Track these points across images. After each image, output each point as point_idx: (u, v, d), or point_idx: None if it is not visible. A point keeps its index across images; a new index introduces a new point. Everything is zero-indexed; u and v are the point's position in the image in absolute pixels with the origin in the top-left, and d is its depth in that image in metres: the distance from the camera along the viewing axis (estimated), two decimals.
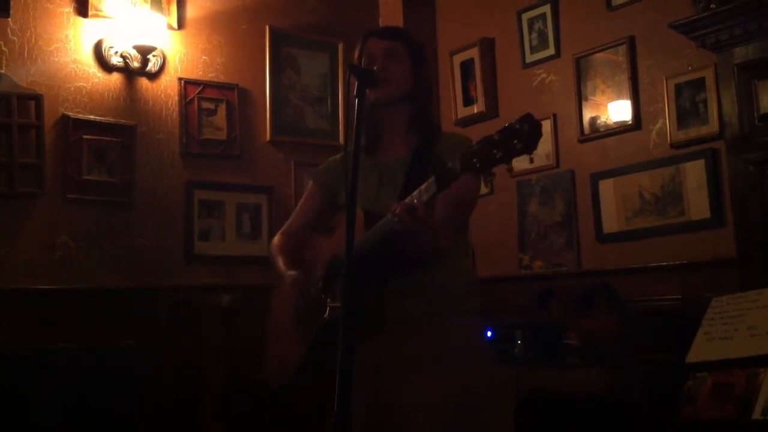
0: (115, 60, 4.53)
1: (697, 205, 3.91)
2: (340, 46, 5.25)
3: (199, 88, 4.82)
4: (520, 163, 4.82)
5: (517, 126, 1.74)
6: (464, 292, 2.40)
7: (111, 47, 4.53)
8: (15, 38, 4.28)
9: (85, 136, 4.40)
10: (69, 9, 4.44)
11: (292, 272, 2.42)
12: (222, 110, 4.88)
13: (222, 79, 4.92)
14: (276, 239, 2.64)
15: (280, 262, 2.52)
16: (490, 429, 2.28)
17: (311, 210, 2.62)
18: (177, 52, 4.78)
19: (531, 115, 1.75)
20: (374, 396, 2.28)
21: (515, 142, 1.74)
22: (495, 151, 1.77)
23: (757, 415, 2.64)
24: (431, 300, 2.31)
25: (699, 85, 3.92)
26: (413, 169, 2.31)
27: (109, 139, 4.48)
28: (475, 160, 1.82)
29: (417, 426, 2.22)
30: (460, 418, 2.23)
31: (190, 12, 4.85)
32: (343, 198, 2.46)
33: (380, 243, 2.11)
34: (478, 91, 5.10)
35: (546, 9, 4.72)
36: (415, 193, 1.99)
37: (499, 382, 2.42)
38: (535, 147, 1.75)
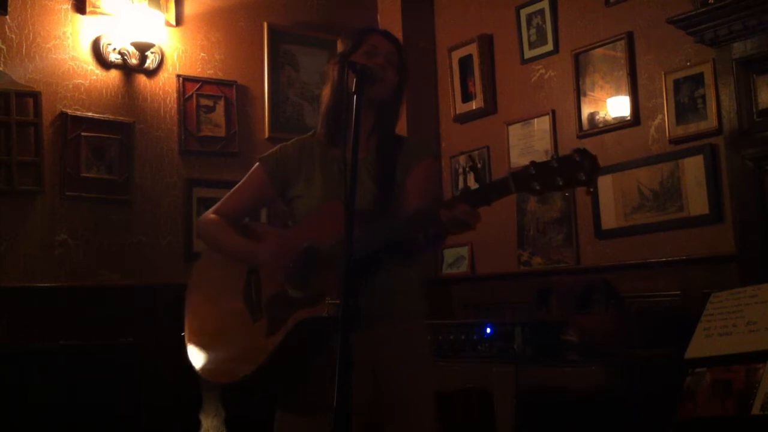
0: (114, 57, 4.53)
1: (696, 200, 3.91)
2: (339, 44, 5.24)
3: (198, 85, 4.82)
4: (518, 159, 4.83)
5: (578, 158, 1.88)
6: (423, 293, 2.46)
7: (109, 44, 4.52)
8: (13, 35, 4.27)
9: (83, 134, 4.40)
10: (67, 6, 4.44)
11: (270, 244, 2.34)
12: (220, 107, 4.88)
13: (220, 76, 4.91)
14: (211, 217, 2.52)
15: (239, 237, 2.43)
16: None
17: (254, 196, 2.55)
18: (175, 49, 4.78)
19: (587, 150, 1.90)
20: (371, 394, 2.29)
21: (579, 173, 1.88)
22: (558, 178, 1.90)
23: (756, 410, 2.64)
24: (413, 300, 2.38)
25: (698, 80, 3.92)
26: (380, 169, 2.36)
27: (108, 136, 4.48)
28: (535, 183, 1.93)
29: (410, 424, 2.25)
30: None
31: (188, 9, 4.84)
32: (295, 190, 2.45)
33: (396, 243, 2.15)
34: (477, 88, 5.09)
35: (544, 5, 4.72)
36: (459, 204, 2.04)
37: None
38: (595, 181, 1.91)
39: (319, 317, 2.13)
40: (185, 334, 2.49)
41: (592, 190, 1.93)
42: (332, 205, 2.22)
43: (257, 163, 2.54)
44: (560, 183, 1.90)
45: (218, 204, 2.55)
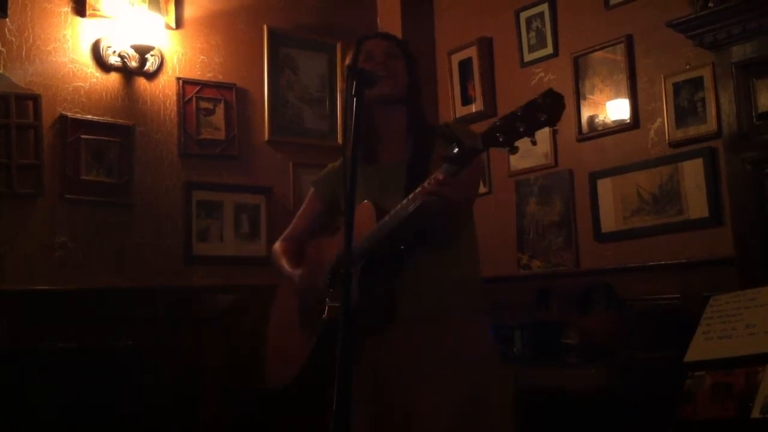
0: (113, 60, 4.53)
1: (696, 203, 3.91)
2: (339, 47, 5.25)
3: (198, 88, 4.82)
4: (518, 161, 4.84)
5: (541, 100, 1.84)
6: (475, 290, 2.41)
7: (109, 47, 4.52)
8: (13, 38, 4.27)
9: (83, 136, 4.40)
10: (67, 9, 4.43)
11: (299, 270, 2.48)
12: (220, 110, 4.88)
13: (220, 78, 4.91)
14: (277, 245, 2.70)
15: (285, 264, 2.58)
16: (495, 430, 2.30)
17: (312, 217, 2.69)
18: (175, 51, 4.78)
19: (552, 89, 1.85)
20: (383, 396, 2.28)
21: (539, 114, 1.83)
22: (518, 124, 1.86)
23: (756, 413, 2.64)
24: (442, 297, 2.32)
25: (697, 83, 3.93)
26: (414, 168, 2.34)
27: (108, 139, 4.48)
28: (498, 134, 1.90)
29: (428, 428, 2.22)
30: (470, 420, 2.24)
31: (188, 12, 4.84)
32: (343, 203, 2.50)
33: (400, 227, 2.15)
34: (477, 91, 5.09)
35: (544, 8, 4.72)
36: (435, 174, 2.02)
37: (504, 382, 2.44)
38: (558, 119, 1.85)
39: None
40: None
41: (557, 129, 1.91)
42: (361, 207, 2.24)
43: (312, 188, 2.72)
44: (522, 128, 1.87)
45: (286, 231, 2.75)
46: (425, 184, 2.04)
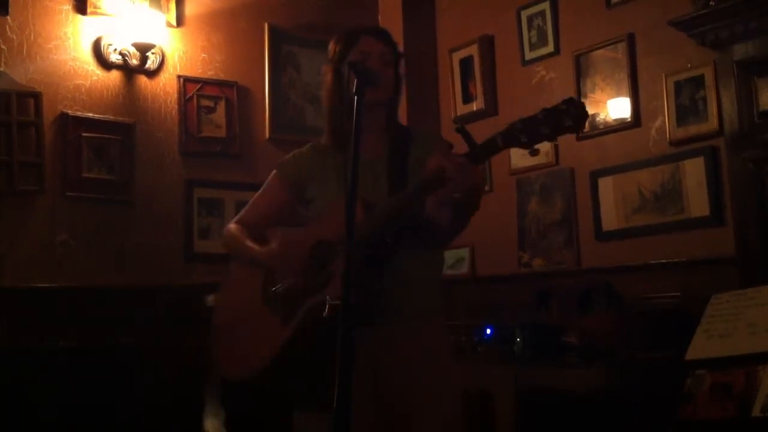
0: (114, 57, 4.53)
1: (697, 202, 3.90)
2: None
3: (199, 86, 4.82)
4: (519, 160, 4.84)
5: (564, 107, 1.91)
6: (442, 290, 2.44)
7: (110, 45, 4.52)
8: (14, 36, 4.27)
9: (84, 134, 4.40)
10: (68, 6, 4.44)
11: (268, 249, 2.37)
12: (221, 108, 4.88)
13: (221, 76, 4.91)
14: (233, 227, 2.55)
15: (250, 242, 2.44)
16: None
17: (275, 204, 2.55)
18: (176, 49, 4.78)
19: (573, 98, 1.93)
20: (382, 396, 2.28)
21: (564, 119, 1.90)
22: (542, 127, 1.92)
23: (756, 412, 2.64)
24: (437, 297, 2.37)
25: (699, 82, 3.92)
26: (394, 165, 2.35)
27: (109, 136, 4.48)
28: (520, 135, 1.95)
29: (428, 427, 2.23)
30: (462, 417, 2.26)
31: (189, 9, 4.84)
32: (311, 192, 2.46)
33: (404, 210, 2.16)
34: (478, 89, 5.09)
35: (545, 6, 4.71)
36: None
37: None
38: (583, 126, 1.93)
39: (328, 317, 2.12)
40: (212, 337, 2.56)
41: (580, 135, 1.95)
42: (341, 201, 2.22)
43: (274, 171, 2.57)
44: (546, 131, 1.91)
45: (240, 213, 2.60)
46: (437, 161, 2.05)
